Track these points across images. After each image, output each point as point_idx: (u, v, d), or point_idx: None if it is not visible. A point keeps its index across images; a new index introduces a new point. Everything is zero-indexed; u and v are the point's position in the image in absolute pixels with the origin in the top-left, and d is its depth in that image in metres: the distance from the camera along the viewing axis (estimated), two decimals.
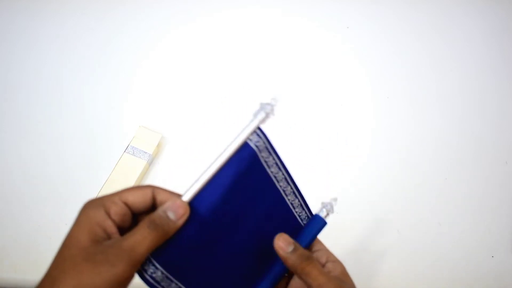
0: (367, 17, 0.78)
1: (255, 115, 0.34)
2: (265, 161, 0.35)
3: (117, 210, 0.29)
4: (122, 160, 0.62)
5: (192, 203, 0.31)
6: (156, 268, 0.31)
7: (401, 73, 0.72)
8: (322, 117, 0.68)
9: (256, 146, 0.33)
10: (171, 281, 0.32)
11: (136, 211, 0.30)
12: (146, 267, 0.30)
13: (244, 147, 0.33)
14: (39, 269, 0.61)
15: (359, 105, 0.69)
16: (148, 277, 0.31)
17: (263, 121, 0.33)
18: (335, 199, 0.41)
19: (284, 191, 0.38)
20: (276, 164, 0.36)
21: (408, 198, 0.62)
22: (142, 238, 0.28)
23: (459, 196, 0.62)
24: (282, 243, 0.34)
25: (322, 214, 0.40)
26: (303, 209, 0.40)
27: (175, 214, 0.29)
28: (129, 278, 0.28)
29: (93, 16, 0.80)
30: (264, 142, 0.34)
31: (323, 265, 0.37)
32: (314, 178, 0.63)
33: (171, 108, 0.70)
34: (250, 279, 0.37)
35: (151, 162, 0.64)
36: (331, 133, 0.67)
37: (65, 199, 0.63)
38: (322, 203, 0.41)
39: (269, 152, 0.35)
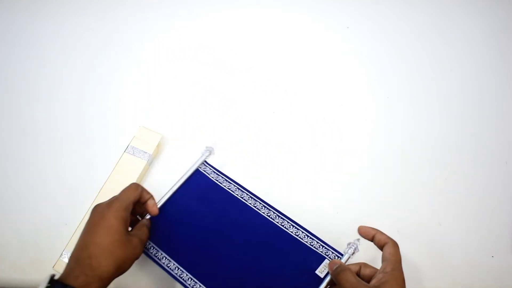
0: (367, 17, 0.78)
1: (203, 153, 0.58)
2: (216, 180, 0.57)
3: (130, 209, 0.49)
4: (122, 160, 0.62)
5: (162, 208, 0.54)
6: (152, 247, 0.52)
7: (401, 73, 0.72)
8: (322, 117, 0.68)
9: (205, 171, 0.57)
10: (161, 253, 0.52)
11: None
12: (147, 247, 0.52)
13: (197, 172, 0.57)
14: (39, 269, 0.62)
15: (359, 105, 0.69)
16: (149, 253, 0.52)
17: (207, 157, 0.58)
18: (359, 239, 0.50)
19: (242, 197, 0.56)
20: (226, 180, 0.57)
21: (408, 198, 0.62)
22: (145, 233, 0.50)
23: (459, 196, 0.62)
24: (332, 265, 0.48)
25: (350, 252, 0.49)
26: (268, 208, 0.55)
27: (151, 213, 0.53)
28: (140, 255, 0.49)
29: (93, 16, 0.80)
30: (210, 168, 0.58)
31: (374, 275, 0.46)
32: (315, 179, 0.63)
33: (171, 108, 0.70)
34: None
35: (151, 162, 0.64)
36: (331, 132, 0.67)
37: (65, 199, 0.63)
38: (348, 244, 0.50)
39: (217, 173, 0.57)
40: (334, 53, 0.74)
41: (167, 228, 0.53)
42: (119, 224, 0.46)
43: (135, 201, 0.49)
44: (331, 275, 0.47)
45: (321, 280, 0.48)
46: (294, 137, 0.66)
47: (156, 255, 0.51)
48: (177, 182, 0.55)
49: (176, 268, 0.51)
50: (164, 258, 0.51)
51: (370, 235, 0.50)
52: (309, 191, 0.62)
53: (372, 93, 0.70)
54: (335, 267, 0.47)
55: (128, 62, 0.75)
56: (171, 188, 0.55)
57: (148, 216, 0.52)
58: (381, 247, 0.48)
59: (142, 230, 0.50)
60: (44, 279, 0.42)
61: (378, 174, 0.64)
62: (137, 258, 0.48)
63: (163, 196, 0.54)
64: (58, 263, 0.56)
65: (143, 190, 0.51)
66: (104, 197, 0.59)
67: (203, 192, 0.55)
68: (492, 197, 0.62)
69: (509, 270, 0.57)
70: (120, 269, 0.45)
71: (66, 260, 0.56)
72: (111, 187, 0.60)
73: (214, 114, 0.69)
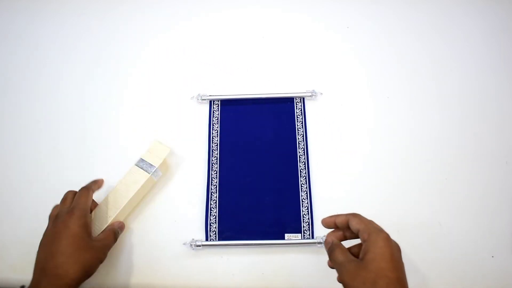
0: (367, 17, 0.78)
1: (307, 91, 0.68)
2: (297, 116, 0.66)
3: (89, 213, 0.53)
4: (131, 171, 0.60)
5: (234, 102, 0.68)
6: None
7: (401, 73, 0.72)
8: (322, 117, 0.68)
9: (296, 103, 0.67)
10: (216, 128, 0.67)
11: None
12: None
13: (290, 100, 0.68)
14: None
15: (359, 105, 0.69)
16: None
17: (308, 97, 0.68)
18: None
19: (299, 142, 0.64)
20: (302, 123, 0.66)
21: (408, 198, 0.62)
22: (111, 240, 0.53)
23: (459, 196, 0.62)
24: (326, 244, 0.48)
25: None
26: (306, 164, 0.63)
27: (121, 230, 0.57)
28: (104, 259, 0.51)
29: (93, 16, 0.80)
30: (301, 106, 0.67)
31: (361, 248, 0.43)
32: (314, 179, 0.63)
33: (171, 108, 0.70)
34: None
35: (158, 176, 0.62)
36: (331, 133, 0.67)
37: None
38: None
39: (301, 111, 0.67)
40: (334, 52, 0.74)
41: (234, 118, 0.67)
42: (83, 231, 0.48)
43: (90, 204, 0.53)
44: (327, 253, 0.47)
45: (282, 238, 0.58)
46: None
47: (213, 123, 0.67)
48: (271, 93, 0.68)
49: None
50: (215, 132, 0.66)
51: (331, 223, 0.48)
52: (308, 191, 0.62)
53: (372, 93, 0.70)
54: (328, 246, 0.47)
55: (128, 62, 0.75)
56: (262, 94, 0.68)
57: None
58: (346, 227, 0.46)
59: (108, 237, 0.52)
60: None
61: (378, 174, 0.64)
62: (101, 262, 0.50)
63: (250, 95, 0.68)
64: None
65: (93, 190, 0.55)
66: (105, 207, 0.58)
67: (280, 114, 0.66)
68: (492, 197, 0.62)
69: (509, 270, 0.57)
70: (87, 273, 0.47)
71: None
72: (114, 197, 0.58)
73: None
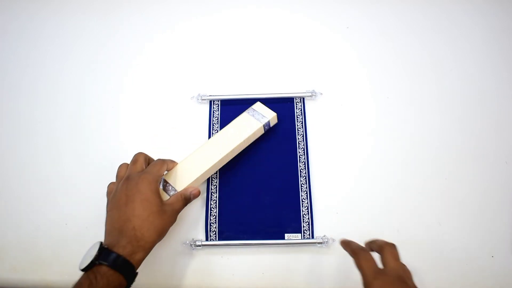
0: (367, 17, 0.78)
1: (307, 91, 0.68)
2: (297, 116, 0.66)
3: (160, 181, 0.55)
4: (242, 117, 0.62)
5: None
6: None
7: (401, 73, 0.72)
8: (322, 118, 0.68)
9: (296, 104, 0.68)
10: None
11: None
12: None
13: (290, 100, 0.68)
14: (39, 269, 0.62)
15: (359, 105, 0.69)
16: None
17: (308, 97, 0.68)
18: None
19: (299, 142, 0.64)
20: (302, 123, 0.66)
21: (408, 198, 0.62)
22: (181, 205, 0.54)
23: (459, 196, 0.62)
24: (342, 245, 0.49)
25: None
26: (306, 165, 0.63)
27: (194, 196, 0.56)
28: (174, 222, 0.53)
29: (93, 16, 0.80)
30: (301, 106, 0.67)
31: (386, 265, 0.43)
32: (314, 179, 0.63)
33: (170, 108, 0.70)
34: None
35: (267, 128, 0.64)
36: (330, 133, 0.67)
37: (64, 199, 0.63)
38: None
39: (301, 111, 0.67)
40: (334, 53, 0.74)
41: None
42: (155, 196, 0.50)
43: (163, 174, 0.55)
44: (350, 252, 0.47)
45: (282, 237, 0.58)
46: None
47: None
48: (271, 93, 0.67)
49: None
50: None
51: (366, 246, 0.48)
52: (308, 191, 0.62)
53: (372, 93, 0.70)
54: (355, 247, 0.46)
55: (128, 62, 0.75)
56: (265, 94, 0.68)
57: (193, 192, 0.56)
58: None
59: (178, 201, 0.54)
60: (93, 246, 0.46)
61: (378, 174, 0.64)
62: (172, 224, 0.53)
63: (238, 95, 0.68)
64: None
65: (167, 165, 0.56)
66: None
67: (280, 114, 0.65)
68: (492, 197, 0.62)
69: (509, 270, 0.57)
70: (160, 236, 0.50)
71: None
72: (224, 137, 0.60)
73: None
